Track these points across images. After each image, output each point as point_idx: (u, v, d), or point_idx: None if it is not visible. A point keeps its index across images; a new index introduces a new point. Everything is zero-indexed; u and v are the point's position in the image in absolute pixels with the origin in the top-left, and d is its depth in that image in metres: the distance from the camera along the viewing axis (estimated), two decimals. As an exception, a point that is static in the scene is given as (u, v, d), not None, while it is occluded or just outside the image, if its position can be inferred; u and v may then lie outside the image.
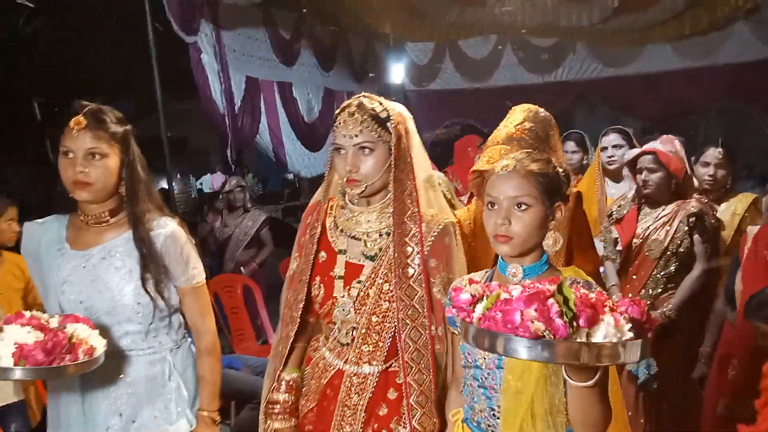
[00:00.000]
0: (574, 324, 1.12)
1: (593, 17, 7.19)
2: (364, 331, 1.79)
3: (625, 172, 3.60)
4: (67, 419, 1.88)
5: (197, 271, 1.95)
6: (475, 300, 1.25)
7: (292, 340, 1.87)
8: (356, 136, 1.74)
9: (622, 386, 3.08)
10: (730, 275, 2.72)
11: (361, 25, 7.68)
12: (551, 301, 1.14)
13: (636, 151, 3.29)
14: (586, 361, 1.12)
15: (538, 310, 1.13)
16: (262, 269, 5.37)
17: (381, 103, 1.80)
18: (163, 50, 4.77)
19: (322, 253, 1.86)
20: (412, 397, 1.72)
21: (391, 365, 1.80)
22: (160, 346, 1.91)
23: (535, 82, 8.65)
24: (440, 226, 1.78)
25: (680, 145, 3.10)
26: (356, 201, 1.84)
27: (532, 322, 1.12)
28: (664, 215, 3.05)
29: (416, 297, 1.74)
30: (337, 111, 1.82)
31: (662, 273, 3.03)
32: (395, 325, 1.76)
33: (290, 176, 11.11)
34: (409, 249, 1.75)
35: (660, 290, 3.05)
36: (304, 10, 6.72)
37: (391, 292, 1.75)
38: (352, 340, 1.81)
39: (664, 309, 2.97)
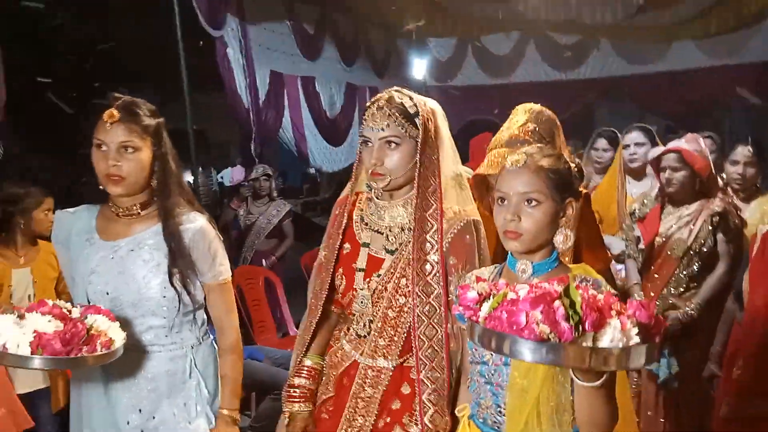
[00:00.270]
0: (580, 328, 1.11)
1: (618, 14, 7.13)
2: (380, 324, 1.80)
3: (649, 170, 3.58)
4: (89, 411, 1.89)
5: (224, 268, 1.94)
6: (482, 298, 1.24)
7: (314, 328, 1.88)
8: (383, 129, 1.74)
9: (643, 385, 3.08)
10: (740, 274, 2.71)
11: (384, 20, 7.70)
12: (557, 303, 1.13)
13: (660, 149, 3.27)
14: (592, 365, 1.11)
15: (543, 313, 1.12)
16: (282, 262, 5.39)
17: (411, 98, 1.79)
18: (187, 43, 4.83)
19: (347, 245, 1.87)
20: (425, 394, 1.72)
21: (406, 360, 1.80)
22: (182, 342, 1.90)
23: (557, 78, 8.61)
24: (461, 224, 1.77)
25: (709, 143, 3.06)
26: (380, 195, 1.84)
27: (538, 325, 1.11)
28: (688, 214, 3.03)
29: (433, 294, 1.74)
30: (368, 103, 1.81)
31: (685, 272, 3.02)
32: (411, 321, 1.75)
33: (312, 171, 11.15)
34: (429, 245, 1.75)
35: (682, 289, 3.03)
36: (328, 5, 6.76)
37: (408, 287, 1.75)
38: (369, 332, 1.82)
39: (687, 308, 2.96)
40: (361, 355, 1.83)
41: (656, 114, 8.24)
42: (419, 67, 8.86)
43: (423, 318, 1.73)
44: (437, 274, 1.74)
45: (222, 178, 12.43)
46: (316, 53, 6.84)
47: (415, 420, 1.73)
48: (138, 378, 1.86)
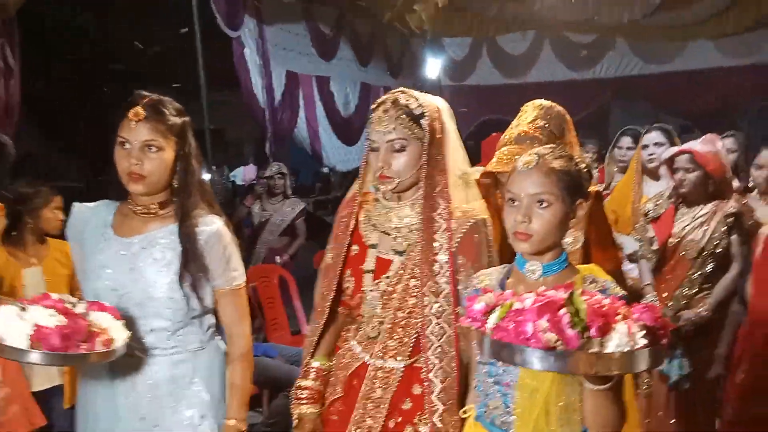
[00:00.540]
0: (586, 334, 1.12)
1: (634, 14, 7.09)
2: (390, 326, 1.79)
3: (663, 170, 3.58)
4: (95, 415, 1.85)
5: (238, 273, 1.88)
6: (489, 310, 1.25)
7: (321, 330, 1.89)
8: (389, 133, 1.74)
9: (654, 386, 3.08)
10: (745, 277, 2.70)
11: (399, 20, 7.71)
12: (563, 311, 1.14)
13: (674, 149, 3.27)
14: (599, 371, 1.13)
15: (549, 321, 1.13)
16: (293, 260, 5.42)
17: (417, 99, 1.78)
18: (205, 44, 4.89)
19: (354, 247, 1.86)
20: (434, 393, 1.72)
21: (416, 361, 1.78)
22: (184, 346, 1.83)
23: (573, 78, 8.58)
24: (470, 223, 1.76)
25: (731, 142, 3.03)
26: (388, 196, 1.84)
27: (544, 333, 1.12)
28: (702, 215, 3.02)
29: (442, 294, 1.74)
30: (373, 106, 1.81)
31: (698, 273, 3.01)
32: (421, 321, 1.75)
33: (325, 170, 11.20)
34: (437, 245, 1.75)
35: (696, 290, 3.02)
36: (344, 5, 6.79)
37: (418, 288, 1.75)
38: (379, 334, 1.81)
39: (700, 309, 2.96)
40: (371, 356, 1.82)
41: (672, 113, 8.18)
42: (434, 67, 8.86)
43: (432, 318, 1.73)
44: (446, 274, 1.74)
45: (234, 176, 12.51)
46: (331, 53, 6.88)
47: (425, 420, 1.73)
48: (139, 384, 1.80)
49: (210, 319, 1.90)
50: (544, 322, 1.13)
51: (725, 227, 2.95)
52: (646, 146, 3.70)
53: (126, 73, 7.56)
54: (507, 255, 1.62)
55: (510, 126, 2.22)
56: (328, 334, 1.93)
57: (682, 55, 8.01)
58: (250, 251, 5.26)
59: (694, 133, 4.93)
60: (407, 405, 1.78)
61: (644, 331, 1.14)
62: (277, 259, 5.27)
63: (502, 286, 1.53)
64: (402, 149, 1.74)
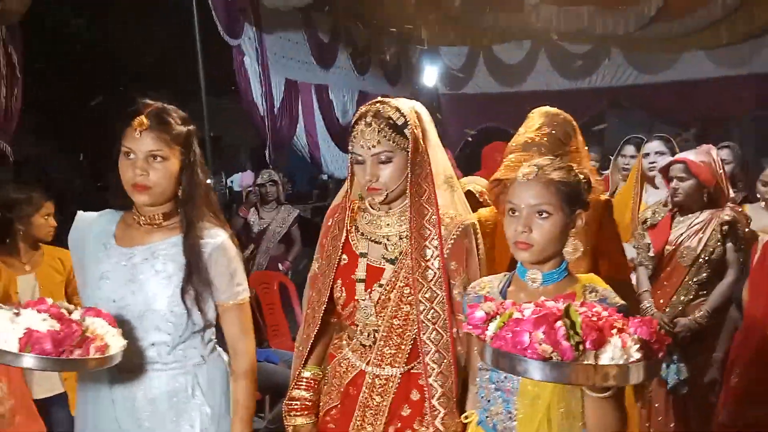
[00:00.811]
0: (581, 347, 1.15)
1: (629, 26, 7.14)
2: (385, 333, 1.79)
3: (659, 179, 3.63)
4: (94, 428, 1.81)
5: (242, 288, 1.84)
6: (489, 318, 1.28)
7: (312, 340, 1.88)
8: (374, 147, 1.72)
9: (654, 391, 3.12)
10: (741, 284, 2.75)
11: (396, 29, 7.76)
12: (559, 323, 1.17)
13: (669, 158, 3.33)
14: (594, 382, 1.16)
15: (545, 333, 1.16)
16: (293, 266, 5.46)
17: (397, 109, 1.77)
18: (205, 51, 4.92)
19: (344, 256, 1.86)
20: (435, 398, 1.73)
21: (413, 367, 1.80)
22: (184, 360, 1.79)
23: (568, 87, 8.64)
24: (460, 228, 1.78)
25: (726, 152, 3.06)
26: (377, 207, 1.84)
27: (540, 344, 1.15)
28: (697, 223, 3.08)
29: (436, 299, 1.75)
30: (354, 119, 1.79)
31: (694, 280, 3.06)
32: (416, 328, 1.76)
33: (324, 177, 11.23)
34: (429, 252, 1.76)
35: (691, 297, 3.07)
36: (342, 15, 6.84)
37: (412, 295, 1.75)
38: (374, 342, 1.81)
39: (695, 315, 3.01)
40: (367, 364, 1.82)
41: (667, 123, 8.23)
42: (431, 76, 8.91)
43: (428, 324, 1.74)
44: (439, 280, 1.75)
45: (232, 182, 12.51)
46: (330, 62, 6.92)
47: (426, 424, 1.74)
48: (139, 400, 1.76)
49: (211, 332, 1.87)
50: (540, 334, 1.17)
51: (720, 235, 3.00)
52: (647, 155, 3.75)
53: (126, 80, 7.58)
54: (512, 265, 1.65)
55: (517, 133, 2.24)
56: (318, 344, 1.92)
57: (677, 66, 8.09)
58: (251, 262, 5.29)
59: (689, 142, 4.98)
60: (406, 411, 1.79)
61: (639, 345, 1.18)
62: (280, 266, 5.30)
63: (504, 294, 1.56)
64: (388, 161, 1.74)
